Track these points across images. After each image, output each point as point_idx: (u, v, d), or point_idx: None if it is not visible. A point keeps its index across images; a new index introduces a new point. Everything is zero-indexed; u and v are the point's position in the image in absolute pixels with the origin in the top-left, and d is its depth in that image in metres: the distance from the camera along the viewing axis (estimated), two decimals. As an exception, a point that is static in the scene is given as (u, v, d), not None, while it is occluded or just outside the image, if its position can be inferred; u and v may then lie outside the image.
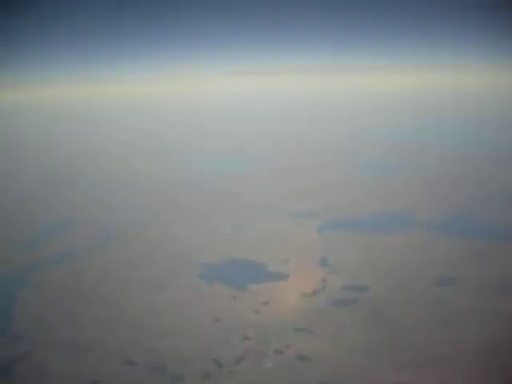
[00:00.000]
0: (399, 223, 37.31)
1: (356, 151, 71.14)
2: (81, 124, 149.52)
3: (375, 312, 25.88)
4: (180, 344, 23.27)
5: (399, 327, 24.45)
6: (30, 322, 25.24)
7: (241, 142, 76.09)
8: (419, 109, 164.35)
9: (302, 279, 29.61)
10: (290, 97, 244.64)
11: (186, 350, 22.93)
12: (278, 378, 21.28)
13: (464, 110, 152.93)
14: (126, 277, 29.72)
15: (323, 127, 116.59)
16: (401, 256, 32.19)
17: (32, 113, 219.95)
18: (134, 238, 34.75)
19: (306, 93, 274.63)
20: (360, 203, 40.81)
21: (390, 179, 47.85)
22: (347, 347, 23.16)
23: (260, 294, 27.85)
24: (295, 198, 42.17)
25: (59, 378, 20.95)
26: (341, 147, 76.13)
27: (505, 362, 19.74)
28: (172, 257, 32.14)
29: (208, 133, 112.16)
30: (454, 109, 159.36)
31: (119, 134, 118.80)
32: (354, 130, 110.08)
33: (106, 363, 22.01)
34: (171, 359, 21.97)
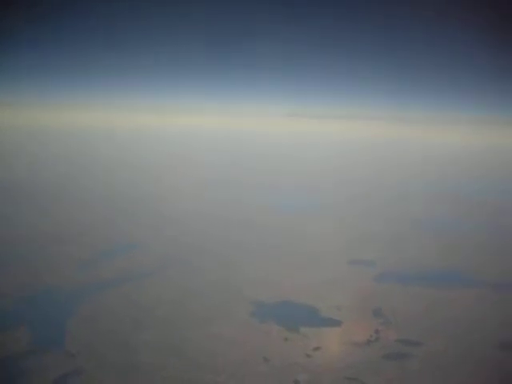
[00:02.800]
0: (461, 280, 35.82)
1: (422, 204, 69.28)
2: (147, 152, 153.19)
3: (428, 368, 24.59)
4: (230, 383, 22.76)
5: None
6: (84, 340, 25.38)
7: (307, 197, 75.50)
8: (484, 163, 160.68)
9: (355, 328, 28.57)
10: (349, 143, 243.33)
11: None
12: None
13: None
14: (179, 307, 29.63)
15: (385, 176, 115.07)
16: (459, 314, 30.71)
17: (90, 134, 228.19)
18: (193, 267, 34.88)
19: (367, 141, 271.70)
20: (419, 256, 39.60)
21: (453, 234, 46.34)
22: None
23: (312, 338, 26.98)
24: (355, 245, 41.44)
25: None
26: (406, 196, 74.84)
27: None
28: (227, 292, 31.92)
29: (266, 171, 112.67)
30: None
31: (191, 168, 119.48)
32: (420, 182, 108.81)
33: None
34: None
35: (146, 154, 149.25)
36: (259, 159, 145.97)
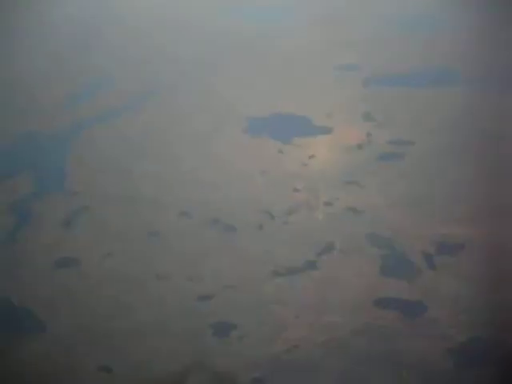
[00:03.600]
0: (447, 78, 35.27)
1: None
2: None
3: (423, 166, 25.44)
4: (232, 196, 23.38)
5: (449, 180, 24.17)
6: (83, 178, 25.44)
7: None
8: None
9: (347, 133, 28.76)
10: None
11: (239, 202, 23.11)
12: (329, 229, 21.57)
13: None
14: (171, 131, 29.21)
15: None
16: (447, 112, 30.94)
17: None
18: (181, 91, 33.66)
19: None
20: (406, 58, 38.32)
21: (435, 30, 44.38)
22: (396, 200, 22.93)
23: (306, 148, 27.29)
24: (339, 49, 39.62)
25: (117, 232, 21.53)
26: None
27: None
28: (218, 110, 31.27)
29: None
30: None
31: None
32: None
33: (162, 216, 22.39)
34: (224, 211, 22.24)
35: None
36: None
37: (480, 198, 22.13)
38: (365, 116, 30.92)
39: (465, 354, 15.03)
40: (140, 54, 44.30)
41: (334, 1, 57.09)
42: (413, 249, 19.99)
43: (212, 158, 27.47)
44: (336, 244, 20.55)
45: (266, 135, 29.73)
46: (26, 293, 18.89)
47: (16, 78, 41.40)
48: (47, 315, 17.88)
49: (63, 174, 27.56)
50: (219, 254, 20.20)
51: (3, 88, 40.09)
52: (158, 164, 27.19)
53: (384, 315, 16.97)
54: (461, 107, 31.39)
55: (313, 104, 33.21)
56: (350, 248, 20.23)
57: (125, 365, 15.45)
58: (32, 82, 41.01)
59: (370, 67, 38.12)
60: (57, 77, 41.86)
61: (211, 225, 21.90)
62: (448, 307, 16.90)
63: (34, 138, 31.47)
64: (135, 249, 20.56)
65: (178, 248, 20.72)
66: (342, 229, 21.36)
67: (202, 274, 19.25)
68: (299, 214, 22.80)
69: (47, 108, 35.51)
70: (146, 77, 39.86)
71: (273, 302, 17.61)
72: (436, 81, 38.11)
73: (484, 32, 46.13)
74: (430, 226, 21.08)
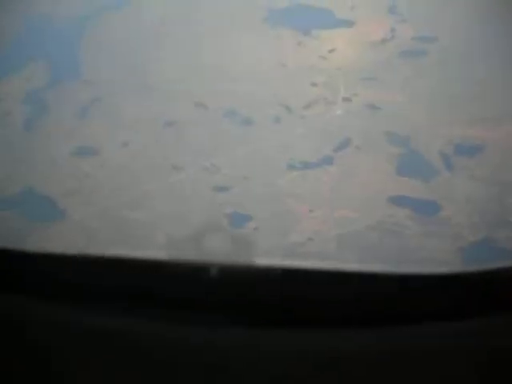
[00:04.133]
0: None
1: None
2: None
3: (446, 64, 23.82)
4: (249, 88, 22.26)
5: (473, 80, 22.76)
6: (98, 67, 24.08)
7: None
8: None
9: (370, 27, 26.69)
10: None
11: (255, 95, 22.01)
12: (347, 125, 20.74)
13: None
14: (190, 19, 27.32)
15: None
16: (475, 7, 28.37)
17: None
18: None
19: None
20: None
21: None
22: (417, 98, 21.81)
23: (326, 41, 25.45)
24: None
25: (133, 121, 20.67)
26: None
27: None
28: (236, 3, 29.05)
29: None
30: None
31: None
32: None
33: (177, 106, 21.40)
34: (242, 103, 21.25)
35: None
36: None
37: (504, 100, 20.93)
38: (389, 10, 28.45)
39: (474, 253, 14.94)
40: None
41: None
42: (430, 148, 19.19)
43: (229, 49, 25.57)
44: (353, 140, 19.68)
45: (285, 26, 27.64)
46: (44, 181, 18.47)
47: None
48: (66, 203, 17.59)
49: (78, 61, 25.98)
50: (235, 146, 19.43)
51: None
52: (174, 53, 25.54)
53: (397, 213, 16.66)
54: (495, 3, 28.85)
55: (334, -5, 30.65)
56: (367, 145, 19.43)
57: (140, 252, 15.67)
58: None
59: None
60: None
61: (227, 116, 20.87)
62: (462, 208, 16.54)
63: (46, 22, 29.44)
64: (151, 139, 19.84)
65: (193, 138, 19.94)
66: (360, 125, 20.40)
67: (217, 165, 18.72)
68: (317, 108, 21.67)
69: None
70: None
71: (288, 195, 17.28)
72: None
73: None
74: (450, 126, 20.09)
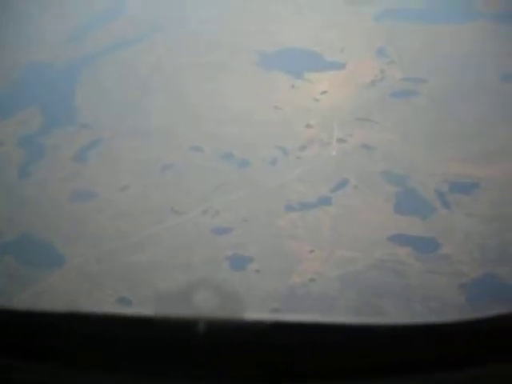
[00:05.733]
0: (463, 13, 33.55)
1: None
2: None
3: (437, 104, 24.67)
4: (245, 131, 22.79)
5: (464, 121, 23.50)
6: (93, 112, 24.68)
7: None
8: None
9: (360, 69, 27.72)
10: None
11: (252, 137, 22.52)
12: (343, 166, 21.17)
13: None
14: (181, 65, 28.20)
15: None
16: (463, 49, 29.63)
17: None
18: (190, 23, 32.16)
19: None
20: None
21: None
22: (411, 138, 22.33)
23: (318, 83, 26.35)
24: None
25: (131, 165, 21.06)
26: None
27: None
28: (229, 44, 30.03)
29: None
30: None
31: None
32: None
33: (174, 151, 21.89)
34: (238, 146, 21.74)
35: None
36: None
37: (496, 137, 21.64)
38: (378, 52, 29.76)
39: (477, 290, 15.13)
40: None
41: None
42: (426, 186, 19.63)
43: (223, 92, 26.64)
44: (350, 180, 20.18)
45: (277, 70, 28.76)
46: (43, 227, 18.80)
47: (21, 8, 39.82)
48: (66, 248, 17.35)
49: (73, 107, 26.87)
50: (233, 188, 19.89)
51: (9, 19, 38.61)
52: (167, 98, 26.42)
53: (397, 251, 16.91)
54: (478, 44, 30.22)
55: (325, 38, 31.97)
56: (364, 185, 19.90)
57: (144, 296, 15.73)
58: (38, 12, 39.54)
59: (383, 0, 36.50)
60: (63, 7, 40.33)
61: (224, 159, 21.47)
62: (461, 245, 16.84)
63: (41, 69, 30.55)
64: (150, 182, 20.25)
65: (192, 182, 20.40)
66: (356, 165, 20.91)
67: (216, 207, 19.10)
68: (312, 149, 22.27)
69: (54, 39, 34.26)
70: (156, 11, 38.32)
71: (288, 236, 17.52)
72: (452, 16, 36.57)
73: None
74: (444, 164, 20.62)
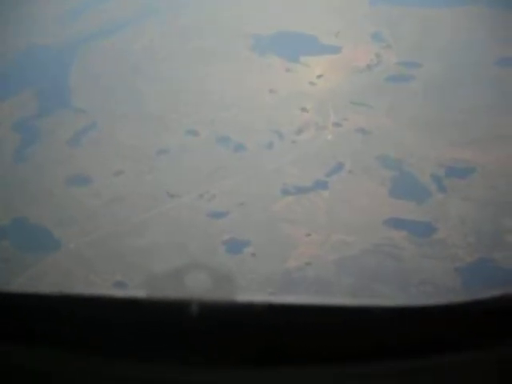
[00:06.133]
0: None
1: None
2: None
3: (433, 89, 24.45)
4: (241, 115, 22.52)
5: (459, 106, 23.31)
6: (88, 96, 24.24)
7: None
8: None
9: (356, 53, 27.39)
10: None
11: (247, 121, 22.30)
12: (339, 150, 21.00)
13: None
14: (176, 48, 27.72)
15: None
16: (459, 34, 29.29)
17: None
18: (185, 8, 31.59)
19: None
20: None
21: None
22: (406, 122, 22.19)
23: (313, 67, 26.05)
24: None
25: (126, 150, 20.81)
26: None
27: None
28: (224, 28, 29.56)
29: None
30: None
31: None
32: None
33: (170, 134, 21.66)
34: (233, 130, 21.51)
35: None
36: None
37: (491, 122, 21.50)
38: (374, 36, 29.41)
39: (472, 274, 15.12)
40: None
41: None
42: (422, 171, 19.54)
43: (218, 77, 26.33)
44: (346, 164, 20.05)
45: (272, 54, 28.42)
46: (38, 211, 18.59)
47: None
48: (61, 233, 16.94)
49: (67, 90, 26.47)
50: (229, 172, 19.76)
51: (2, 3, 37.77)
52: (162, 82, 26.09)
53: (393, 235, 16.86)
54: (474, 29, 29.91)
55: (320, 22, 31.56)
56: (359, 169, 19.75)
57: (140, 280, 15.59)
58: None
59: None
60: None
61: (220, 143, 21.27)
62: (457, 229, 16.78)
63: (36, 52, 30.02)
64: (145, 167, 20.04)
65: (187, 166, 20.20)
66: (352, 150, 20.74)
67: (212, 191, 18.95)
68: (308, 133, 22.12)
69: (48, 22, 33.63)
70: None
71: (284, 220, 17.39)
72: (448, 0, 36.12)
73: None
74: (440, 149, 20.48)
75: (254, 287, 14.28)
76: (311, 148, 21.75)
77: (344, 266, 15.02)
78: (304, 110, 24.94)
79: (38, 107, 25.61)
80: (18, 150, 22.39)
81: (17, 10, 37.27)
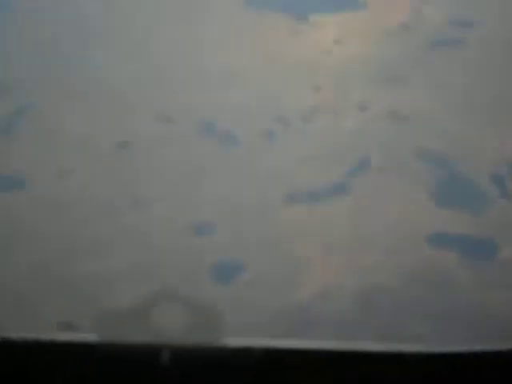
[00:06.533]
0: None
1: None
2: None
3: (493, 58, 24.22)
4: (231, 95, 22.12)
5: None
6: (26, 67, 24.02)
7: None
8: None
9: (387, 9, 27.00)
10: None
11: (240, 104, 21.87)
12: (363, 141, 20.77)
13: None
14: (145, 6, 27.58)
15: None
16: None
17: None
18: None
19: None
20: None
21: None
22: (455, 104, 21.97)
23: (329, 29, 25.68)
24: None
25: (76, 142, 20.45)
26: None
27: None
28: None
29: None
30: None
31: None
32: None
33: (134, 121, 21.24)
34: (221, 115, 21.06)
35: None
36: None
37: None
38: (413, -13, 29.21)
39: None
40: None
41: None
42: (477, 168, 19.20)
43: (201, 43, 25.59)
44: (373, 160, 19.61)
45: (272, 11, 27.91)
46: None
47: None
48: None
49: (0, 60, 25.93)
50: (216, 172, 19.12)
51: None
52: (125, 50, 25.55)
53: (439, 256, 16.59)
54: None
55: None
56: (391, 166, 19.35)
57: (91, 318, 15.36)
58: None
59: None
60: None
61: (203, 132, 20.63)
62: (526, 246, 16.57)
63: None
64: (101, 165, 19.49)
65: (159, 165, 19.66)
66: (381, 141, 20.38)
67: (194, 199, 18.44)
68: (322, 119, 21.69)
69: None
70: None
71: (290, 236, 17.09)
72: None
73: None
74: (502, 140, 20.18)
75: (249, 327, 14.03)
76: (326, 139, 21.29)
77: (371, 297, 14.80)
78: (316, 88, 24.44)
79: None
80: None
81: None
